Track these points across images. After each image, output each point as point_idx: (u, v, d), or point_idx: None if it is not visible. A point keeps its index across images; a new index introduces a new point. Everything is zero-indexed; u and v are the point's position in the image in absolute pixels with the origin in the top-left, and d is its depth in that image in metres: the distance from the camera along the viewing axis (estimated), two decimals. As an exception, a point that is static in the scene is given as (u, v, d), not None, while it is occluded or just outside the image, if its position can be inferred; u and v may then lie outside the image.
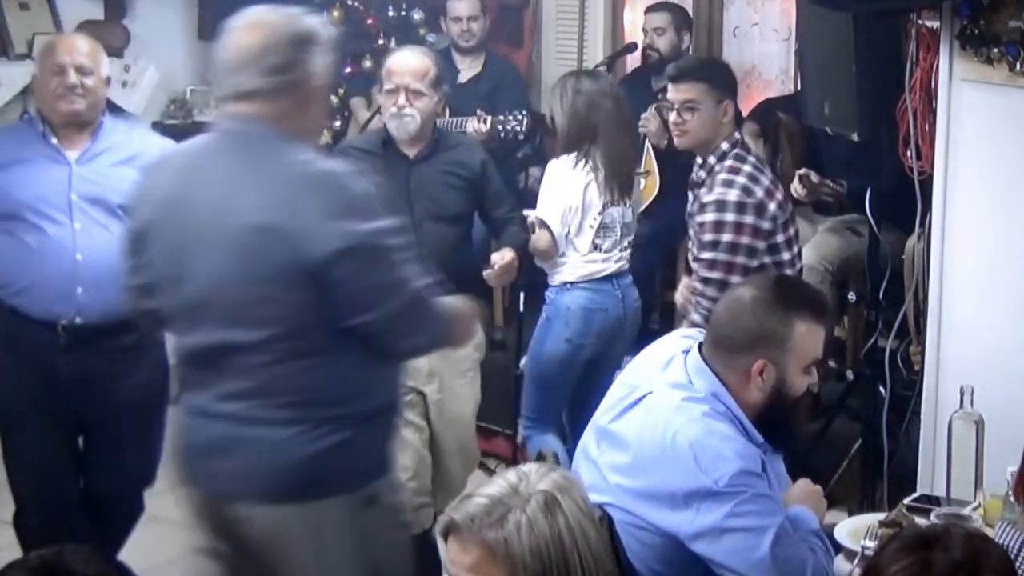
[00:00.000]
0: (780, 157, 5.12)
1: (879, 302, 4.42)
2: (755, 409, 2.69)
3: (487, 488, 2.04)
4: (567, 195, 4.29)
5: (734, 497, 2.53)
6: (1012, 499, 2.70)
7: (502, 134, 5.15)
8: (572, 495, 2.04)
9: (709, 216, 3.84)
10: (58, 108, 3.81)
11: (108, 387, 3.80)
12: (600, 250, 4.36)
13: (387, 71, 4.05)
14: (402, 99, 3.97)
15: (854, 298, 4.77)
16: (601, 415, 2.81)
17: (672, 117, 4.00)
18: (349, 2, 6.07)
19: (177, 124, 6.21)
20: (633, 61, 5.99)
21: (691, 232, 4.03)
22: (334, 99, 6.13)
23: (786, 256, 3.93)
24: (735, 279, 3.72)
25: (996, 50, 3.58)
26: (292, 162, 2.63)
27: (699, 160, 4.03)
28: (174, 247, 2.68)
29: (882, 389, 4.37)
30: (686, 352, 2.78)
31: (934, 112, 3.85)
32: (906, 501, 3.04)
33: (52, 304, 3.72)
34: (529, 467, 2.08)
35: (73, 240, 3.74)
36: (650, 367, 2.82)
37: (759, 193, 3.85)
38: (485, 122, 5.16)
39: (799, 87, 4.87)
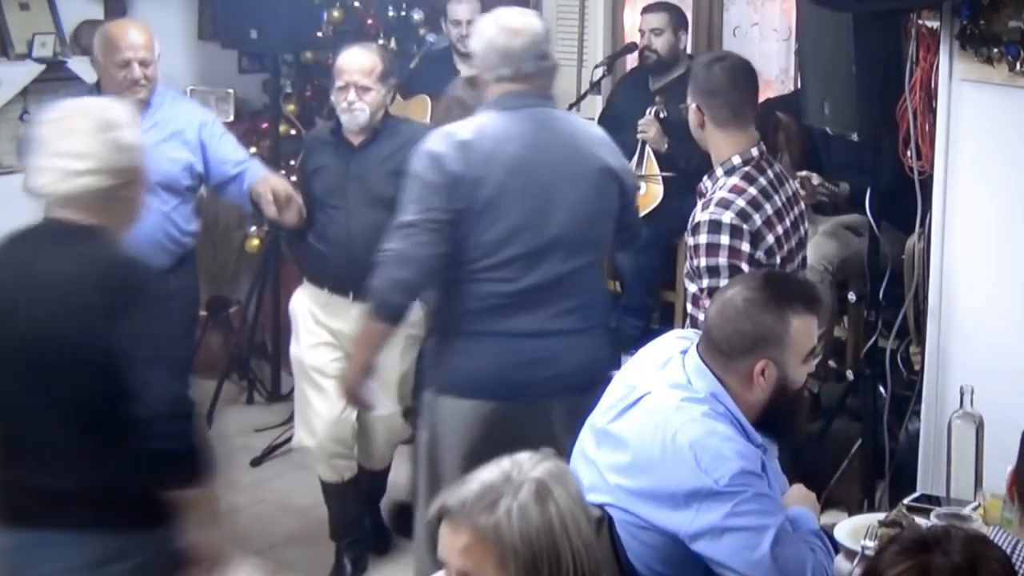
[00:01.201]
0: (779, 157, 5.12)
1: (879, 302, 4.41)
2: (759, 408, 2.69)
3: (481, 474, 2.07)
4: None
5: (734, 497, 2.53)
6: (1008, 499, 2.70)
7: None
8: (565, 484, 2.06)
9: (702, 238, 3.46)
10: (125, 98, 3.98)
11: None
12: None
13: (337, 69, 4.25)
14: (352, 95, 4.18)
15: (854, 298, 4.76)
16: (599, 416, 2.81)
17: None
18: (349, 2, 6.07)
19: (177, 124, 6.21)
20: (633, 61, 5.99)
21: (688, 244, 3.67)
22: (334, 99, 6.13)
23: None
24: None
25: (996, 50, 3.58)
26: (584, 121, 3.76)
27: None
28: (534, 199, 3.39)
29: (882, 389, 4.37)
30: (684, 352, 2.78)
31: (934, 112, 3.86)
32: (906, 501, 3.04)
33: None
34: (523, 456, 2.10)
35: None
36: (648, 367, 2.82)
37: (757, 221, 3.46)
38: None
39: (799, 87, 4.87)
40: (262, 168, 4.53)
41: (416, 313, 4.00)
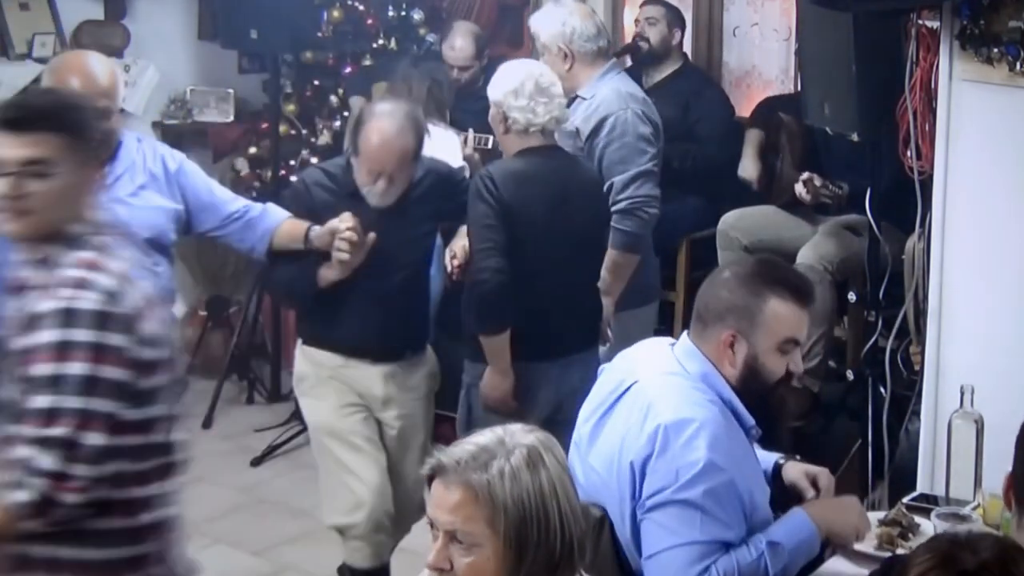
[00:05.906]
0: (781, 157, 5.12)
1: (879, 302, 4.41)
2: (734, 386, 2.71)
3: (474, 438, 2.13)
4: None
5: (694, 486, 2.55)
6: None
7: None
8: (555, 453, 2.13)
9: (45, 336, 2.36)
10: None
11: None
12: None
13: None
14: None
15: (854, 298, 4.76)
16: (591, 412, 2.84)
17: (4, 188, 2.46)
18: (349, 2, 6.07)
19: (177, 124, 6.21)
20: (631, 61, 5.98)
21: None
22: (334, 99, 6.13)
23: (157, 411, 2.50)
24: (95, 437, 2.34)
25: (996, 50, 3.58)
26: None
27: (32, 253, 2.50)
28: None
29: (882, 389, 4.37)
30: (672, 345, 2.82)
31: (934, 112, 3.85)
32: (905, 501, 3.05)
33: None
34: (514, 426, 2.16)
35: None
36: (635, 361, 2.85)
37: (136, 300, 2.46)
38: (465, 143, 5.04)
39: (799, 87, 4.87)
40: (280, 210, 3.90)
41: (433, 361, 4.05)
